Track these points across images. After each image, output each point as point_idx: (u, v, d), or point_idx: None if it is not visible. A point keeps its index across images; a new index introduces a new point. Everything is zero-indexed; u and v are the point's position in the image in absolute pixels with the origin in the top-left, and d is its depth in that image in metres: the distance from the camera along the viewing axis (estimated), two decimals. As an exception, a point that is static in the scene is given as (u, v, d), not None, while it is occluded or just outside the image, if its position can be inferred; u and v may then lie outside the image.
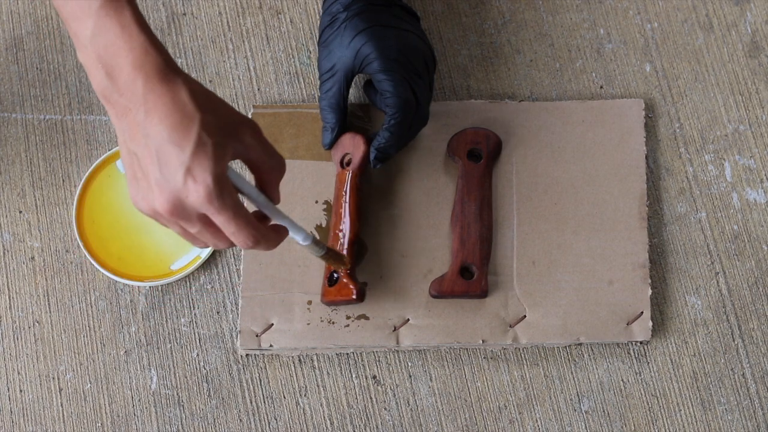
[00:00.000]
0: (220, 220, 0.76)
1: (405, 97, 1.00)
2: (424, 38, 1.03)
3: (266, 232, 0.80)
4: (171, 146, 0.74)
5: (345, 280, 1.00)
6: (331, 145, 1.05)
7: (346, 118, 1.04)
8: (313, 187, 1.06)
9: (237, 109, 0.83)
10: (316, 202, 1.05)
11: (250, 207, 0.84)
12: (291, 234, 0.87)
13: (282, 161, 0.81)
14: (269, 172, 0.81)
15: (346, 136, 1.04)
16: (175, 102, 0.74)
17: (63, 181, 1.09)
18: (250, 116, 1.06)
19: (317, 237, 1.03)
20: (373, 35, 0.99)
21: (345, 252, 1.01)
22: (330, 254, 0.95)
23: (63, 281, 1.06)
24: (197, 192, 0.74)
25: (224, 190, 0.75)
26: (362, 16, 1.00)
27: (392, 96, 0.99)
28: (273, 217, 0.84)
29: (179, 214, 0.76)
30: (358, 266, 1.03)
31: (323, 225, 1.05)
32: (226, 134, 0.76)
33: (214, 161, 0.74)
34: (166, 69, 0.76)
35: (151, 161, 0.75)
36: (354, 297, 0.99)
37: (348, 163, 1.04)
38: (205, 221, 0.78)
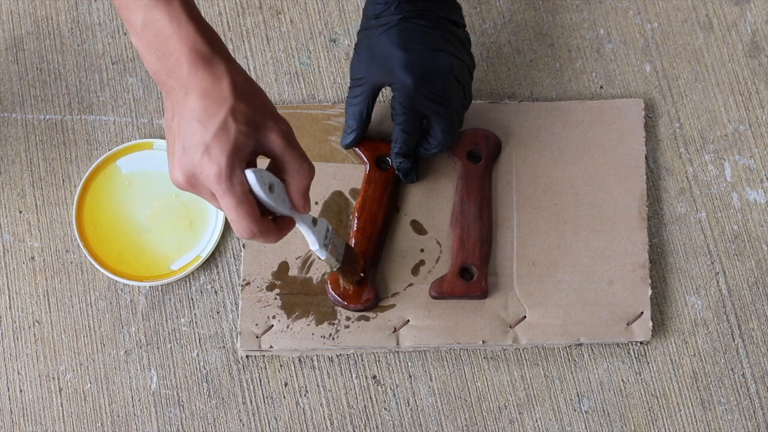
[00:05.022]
0: (224, 203, 0.80)
1: (409, 132, 1.00)
2: (458, 53, 1.00)
3: (266, 228, 0.82)
4: (198, 124, 0.79)
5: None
6: (349, 147, 1.05)
7: (366, 128, 1.04)
8: (312, 188, 1.05)
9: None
10: (316, 203, 1.05)
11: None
12: (309, 244, 0.90)
13: (308, 167, 0.84)
14: (291, 175, 0.84)
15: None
16: (213, 86, 0.80)
17: (63, 181, 1.09)
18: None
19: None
20: (401, 60, 0.97)
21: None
22: (344, 268, 0.96)
23: (63, 281, 1.06)
24: (210, 170, 0.79)
25: (234, 175, 0.79)
26: (396, 29, 0.98)
27: (398, 126, 1.00)
28: (297, 221, 0.87)
29: (193, 186, 0.81)
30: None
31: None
32: (253, 126, 0.80)
33: (232, 146, 0.79)
34: (212, 56, 0.81)
35: (179, 135, 0.80)
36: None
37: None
38: (216, 199, 0.82)
